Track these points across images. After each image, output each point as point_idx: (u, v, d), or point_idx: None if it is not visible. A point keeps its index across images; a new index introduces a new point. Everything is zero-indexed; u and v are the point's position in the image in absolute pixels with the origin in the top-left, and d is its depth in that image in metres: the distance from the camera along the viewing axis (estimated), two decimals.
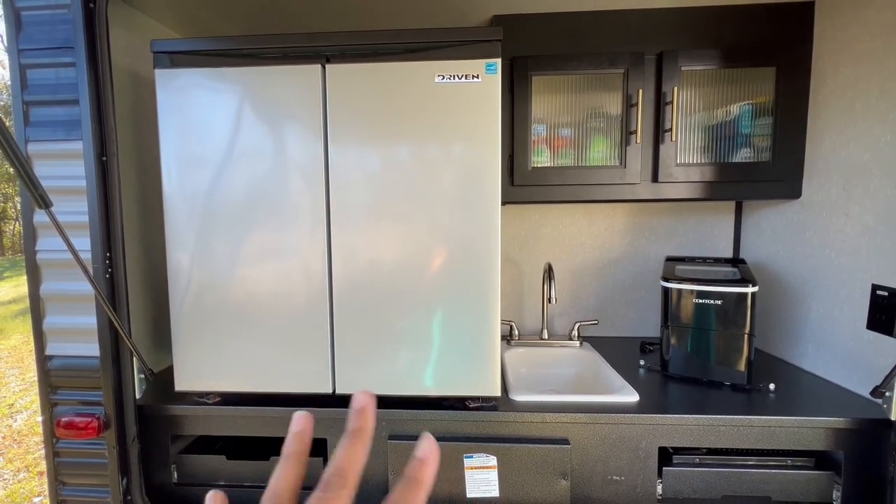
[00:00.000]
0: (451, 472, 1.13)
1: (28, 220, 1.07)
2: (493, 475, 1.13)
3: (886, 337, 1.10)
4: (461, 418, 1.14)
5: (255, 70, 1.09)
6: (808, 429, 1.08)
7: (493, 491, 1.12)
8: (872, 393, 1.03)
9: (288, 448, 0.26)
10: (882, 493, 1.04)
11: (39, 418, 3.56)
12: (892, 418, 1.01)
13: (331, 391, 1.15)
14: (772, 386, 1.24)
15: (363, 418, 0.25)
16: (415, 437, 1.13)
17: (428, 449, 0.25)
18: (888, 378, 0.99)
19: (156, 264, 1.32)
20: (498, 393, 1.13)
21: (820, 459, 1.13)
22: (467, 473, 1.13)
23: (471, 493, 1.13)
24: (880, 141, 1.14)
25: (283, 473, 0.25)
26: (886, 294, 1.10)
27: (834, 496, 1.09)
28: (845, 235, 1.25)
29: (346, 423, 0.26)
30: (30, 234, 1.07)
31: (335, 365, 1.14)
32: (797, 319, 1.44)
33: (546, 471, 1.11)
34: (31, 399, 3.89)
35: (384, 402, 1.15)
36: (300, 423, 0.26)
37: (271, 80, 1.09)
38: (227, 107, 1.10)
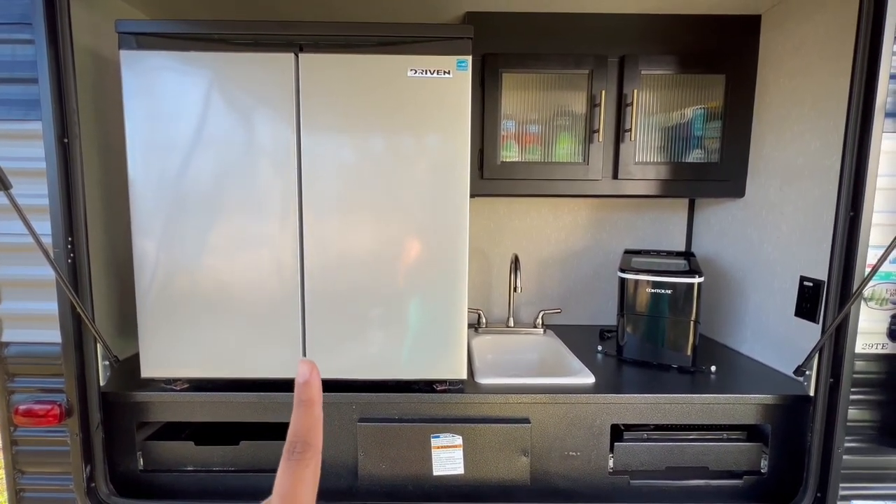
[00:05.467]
0: (419, 452, 1.18)
1: None
2: (459, 454, 1.19)
3: (811, 323, 1.23)
4: (429, 400, 1.19)
5: (227, 56, 1.09)
6: (741, 405, 1.20)
7: (459, 469, 1.19)
8: (795, 372, 1.15)
9: (299, 396, 0.26)
10: (802, 460, 1.17)
11: None
12: (811, 394, 1.14)
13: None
14: (713, 368, 1.36)
15: (308, 389, 0.26)
16: (384, 420, 1.18)
17: (305, 371, 0.26)
18: (808, 358, 1.12)
19: (119, 250, 1.29)
20: (464, 376, 1.19)
21: (751, 432, 1.25)
22: (434, 453, 1.19)
23: (437, 471, 1.18)
24: (811, 146, 1.26)
25: (304, 419, 0.26)
26: (811, 284, 1.23)
27: (762, 465, 1.22)
28: (780, 232, 1.38)
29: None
30: None
31: (306, 350, 1.17)
32: (738, 308, 1.57)
33: (508, 448, 1.18)
34: None
35: (355, 386, 1.19)
36: (305, 373, 0.27)
37: (243, 66, 1.09)
38: (196, 92, 1.09)
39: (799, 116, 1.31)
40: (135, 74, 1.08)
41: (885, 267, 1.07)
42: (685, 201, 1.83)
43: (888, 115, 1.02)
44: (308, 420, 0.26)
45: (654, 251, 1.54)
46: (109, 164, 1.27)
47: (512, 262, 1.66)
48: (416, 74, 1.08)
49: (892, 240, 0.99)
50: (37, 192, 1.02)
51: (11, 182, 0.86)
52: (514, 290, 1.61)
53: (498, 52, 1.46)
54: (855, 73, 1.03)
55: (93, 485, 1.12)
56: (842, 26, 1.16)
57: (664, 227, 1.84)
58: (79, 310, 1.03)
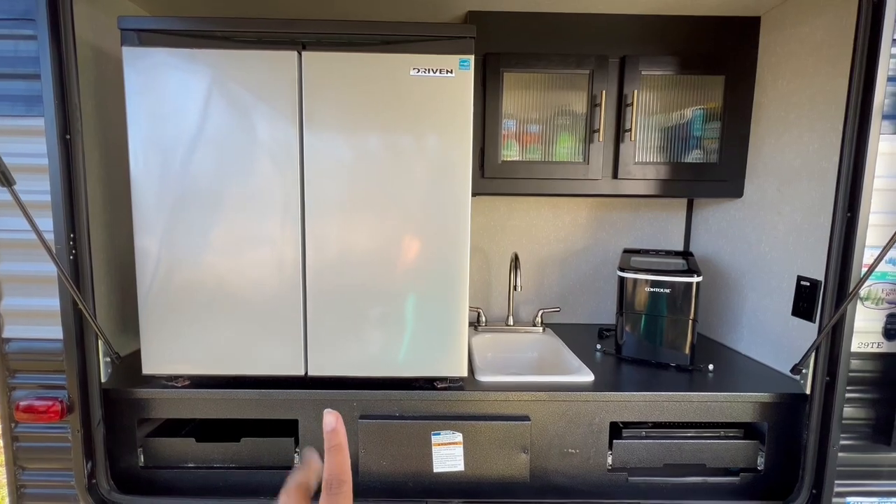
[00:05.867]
0: (419, 449, 1.19)
1: None
2: (459, 451, 1.20)
3: (807, 322, 1.25)
4: (430, 398, 1.20)
5: (229, 53, 1.09)
6: (739, 403, 1.21)
7: (459, 465, 1.20)
8: (792, 370, 1.17)
9: (330, 443, 0.31)
10: (798, 458, 1.19)
11: None
12: (807, 392, 1.15)
13: (303, 373, 1.18)
14: (711, 366, 1.37)
15: (336, 436, 0.31)
16: (385, 417, 1.19)
17: (332, 421, 0.31)
18: (805, 357, 1.13)
19: (120, 247, 1.29)
20: (465, 373, 1.20)
21: (748, 430, 1.27)
22: (434, 450, 1.19)
23: (437, 468, 1.19)
24: (808, 148, 1.28)
25: (336, 461, 0.31)
26: (808, 284, 1.25)
27: (758, 462, 1.24)
28: (777, 232, 1.39)
29: (323, 440, 0.32)
30: None
31: (308, 348, 1.17)
32: (736, 307, 1.59)
33: (508, 445, 1.19)
34: None
35: (356, 384, 1.20)
36: (332, 422, 0.32)
37: (246, 64, 1.09)
38: (199, 89, 1.09)
39: (797, 118, 1.32)
40: (137, 71, 1.08)
41: (881, 267, 1.08)
42: (684, 201, 1.84)
43: (885, 117, 1.03)
44: (339, 460, 0.31)
45: (652, 250, 1.55)
46: (110, 161, 1.26)
47: (512, 261, 1.67)
48: (419, 73, 1.08)
49: (888, 240, 1.00)
50: (39, 188, 1.02)
51: (14, 178, 0.86)
52: (514, 288, 1.62)
53: (499, 52, 1.46)
54: (853, 75, 1.04)
55: (94, 481, 1.13)
56: (841, 29, 1.17)
57: (663, 227, 1.85)
58: (80, 306, 1.04)
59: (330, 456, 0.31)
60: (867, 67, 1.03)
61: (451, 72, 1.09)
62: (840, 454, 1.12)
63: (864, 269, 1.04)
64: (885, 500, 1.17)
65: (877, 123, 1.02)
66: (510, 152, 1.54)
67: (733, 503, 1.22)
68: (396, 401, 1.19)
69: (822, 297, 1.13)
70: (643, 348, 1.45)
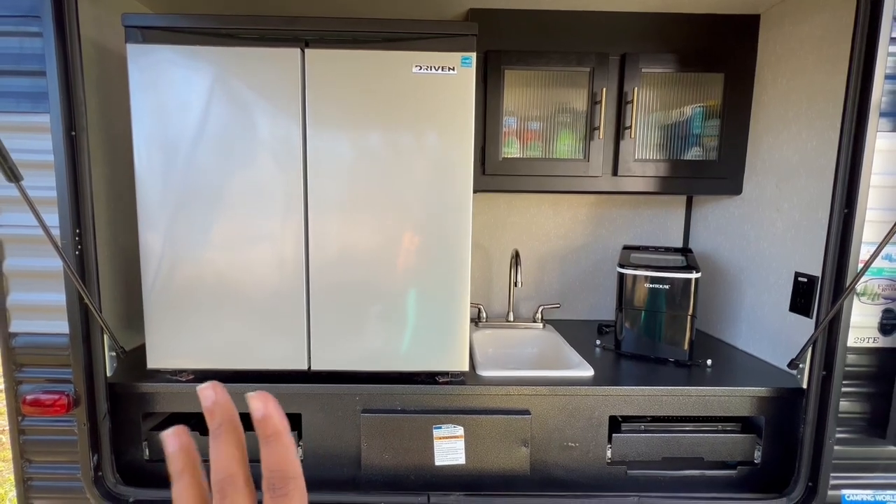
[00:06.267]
0: (421, 443, 1.20)
1: None
2: (460, 444, 1.21)
3: (804, 318, 1.26)
4: (431, 392, 1.21)
5: (232, 51, 1.10)
6: (736, 397, 1.23)
7: (460, 459, 1.21)
8: (789, 365, 1.18)
9: (213, 422, 0.25)
10: (794, 451, 1.20)
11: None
12: (804, 387, 1.17)
13: (306, 368, 1.19)
14: (709, 362, 1.39)
15: (269, 423, 0.25)
16: (388, 411, 1.20)
17: (259, 407, 0.25)
18: (802, 352, 1.14)
19: (124, 243, 1.30)
20: (466, 368, 1.21)
21: (745, 424, 1.28)
22: (436, 443, 1.21)
23: (439, 461, 1.21)
24: (807, 145, 1.29)
25: (223, 449, 0.25)
26: (805, 280, 1.26)
27: (755, 455, 1.26)
28: (776, 228, 1.40)
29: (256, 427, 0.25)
30: None
31: (311, 343, 1.18)
32: (734, 303, 1.60)
33: (508, 439, 1.21)
34: None
35: (359, 378, 1.21)
36: (211, 396, 0.25)
37: (249, 61, 1.10)
38: (202, 86, 1.10)
39: (796, 115, 1.33)
40: (141, 68, 1.09)
41: (878, 263, 1.10)
42: (683, 199, 1.85)
43: (883, 114, 1.04)
44: (279, 451, 0.24)
45: (652, 247, 1.56)
46: (114, 158, 1.27)
47: (512, 258, 1.68)
48: (421, 71, 1.09)
49: (884, 236, 1.01)
50: (44, 184, 1.03)
51: (21, 174, 0.87)
52: (515, 284, 1.63)
53: (500, 49, 1.47)
54: (851, 72, 1.05)
55: (100, 473, 1.14)
56: (839, 27, 1.18)
57: (662, 224, 1.86)
58: (87, 301, 1.05)
59: (266, 449, 0.24)
60: (865, 65, 1.04)
61: (454, 69, 1.10)
62: (836, 447, 1.14)
63: (861, 265, 1.05)
64: (880, 492, 1.19)
65: (874, 120, 1.03)
66: (511, 149, 1.55)
67: (731, 496, 1.23)
68: (398, 395, 1.21)
69: (819, 293, 1.15)
70: (642, 344, 1.46)
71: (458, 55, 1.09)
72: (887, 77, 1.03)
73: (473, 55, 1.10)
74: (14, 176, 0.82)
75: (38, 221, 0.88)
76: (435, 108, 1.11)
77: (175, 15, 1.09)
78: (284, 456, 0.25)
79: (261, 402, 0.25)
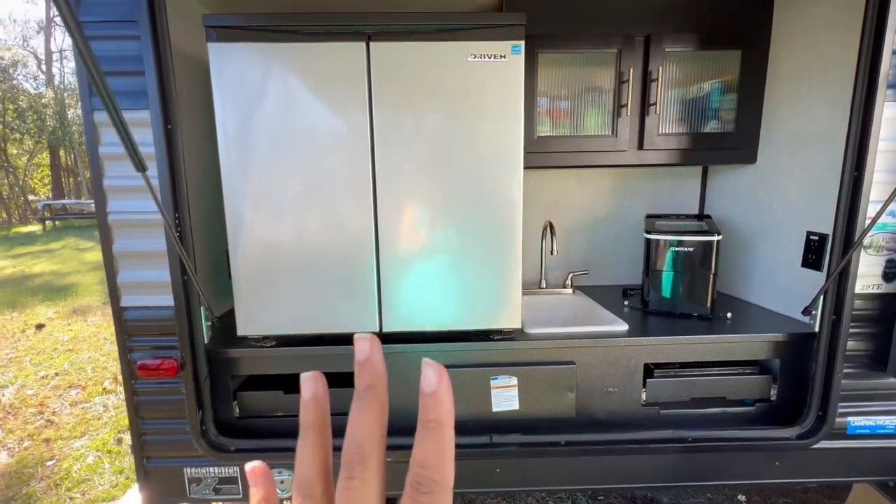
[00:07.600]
0: (480, 393, 1.37)
1: (98, 184, 1.16)
2: (514, 392, 1.38)
3: (815, 272, 1.42)
4: (487, 348, 1.37)
5: (302, 46, 1.20)
6: (755, 343, 1.39)
7: (514, 405, 1.38)
8: (803, 312, 1.34)
9: (304, 419, 0.23)
10: (806, 388, 1.37)
11: (29, 392, 3.55)
12: (816, 331, 1.33)
13: (378, 330, 1.35)
14: (729, 314, 1.55)
15: (370, 373, 0.21)
16: (450, 366, 1.36)
17: (434, 379, 0.20)
18: (815, 300, 1.30)
19: (213, 225, 1.43)
20: (519, 325, 1.37)
21: (762, 367, 1.46)
22: (493, 392, 1.38)
23: (496, 408, 1.38)
24: (819, 116, 1.42)
25: (307, 454, 0.22)
26: (817, 238, 1.41)
27: (771, 393, 1.43)
28: (788, 193, 1.55)
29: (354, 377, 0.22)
30: (101, 198, 1.17)
31: (381, 306, 1.33)
32: (748, 263, 1.75)
33: (557, 387, 1.38)
34: (14, 374, 3.82)
35: (424, 338, 1.36)
36: (311, 388, 0.23)
37: (318, 55, 1.21)
38: (276, 80, 1.21)
39: (808, 88, 1.45)
40: (220, 65, 1.19)
41: (883, 219, 1.24)
42: (699, 169, 1.99)
43: (890, 86, 1.17)
44: (434, 447, 0.20)
45: (673, 215, 1.70)
46: (199, 146, 1.39)
47: (546, 228, 1.82)
48: (476, 59, 1.20)
49: (888, 195, 1.15)
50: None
51: (147, 164, 0.99)
52: (551, 252, 1.78)
53: (533, 34, 1.57)
54: (862, 48, 1.17)
55: (204, 427, 1.30)
56: (851, 2, 1.29)
57: (679, 193, 2.00)
58: (192, 278, 1.19)
59: (358, 408, 0.21)
60: (875, 40, 1.16)
61: (504, 56, 1.21)
62: (843, 381, 1.31)
63: (868, 221, 1.20)
64: (880, 418, 1.37)
65: (882, 91, 1.16)
66: (543, 128, 1.67)
67: (750, 429, 1.41)
68: (460, 352, 1.37)
69: (830, 248, 1.29)
70: (667, 302, 1.62)
71: (508, 44, 1.20)
72: (895, 52, 1.15)
73: (522, 43, 1.21)
74: (141, 166, 0.94)
75: (158, 207, 1.01)
76: (489, 93, 1.23)
77: (249, 14, 1.19)
78: (440, 455, 0.20)
79: (366, 344, 0.21)
